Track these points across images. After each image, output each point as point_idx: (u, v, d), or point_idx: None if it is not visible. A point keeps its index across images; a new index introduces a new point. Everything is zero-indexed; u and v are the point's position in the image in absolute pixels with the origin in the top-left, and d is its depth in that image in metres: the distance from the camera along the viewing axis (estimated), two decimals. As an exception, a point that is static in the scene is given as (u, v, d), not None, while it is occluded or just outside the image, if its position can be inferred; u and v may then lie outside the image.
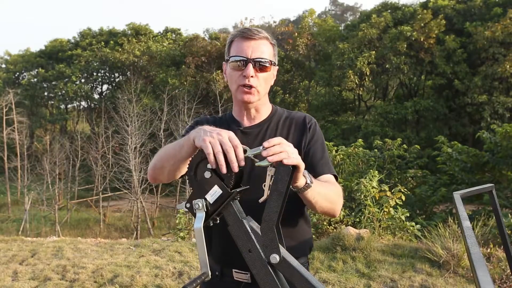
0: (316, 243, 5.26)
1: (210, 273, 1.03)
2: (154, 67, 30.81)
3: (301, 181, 1.15)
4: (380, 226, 5.80)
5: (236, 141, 1.06)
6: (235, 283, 1.44)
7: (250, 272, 1.39)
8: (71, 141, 26.44)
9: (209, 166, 1.05)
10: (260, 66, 1.40)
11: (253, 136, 1.48)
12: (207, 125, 1.37)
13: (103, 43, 34.42)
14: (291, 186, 1.10)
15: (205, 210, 1.03)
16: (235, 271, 1.44)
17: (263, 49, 1.41)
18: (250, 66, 1.38)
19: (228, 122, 1.53)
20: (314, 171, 1.39)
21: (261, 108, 1.52)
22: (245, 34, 1.40)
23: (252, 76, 1.39)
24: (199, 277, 1.01)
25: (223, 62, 1.51)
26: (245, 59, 1.39)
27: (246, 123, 1.52)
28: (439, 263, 4.46)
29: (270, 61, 1.43)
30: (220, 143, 1.04)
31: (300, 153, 1.33)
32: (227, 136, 1.06)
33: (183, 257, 5.11)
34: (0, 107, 26.64)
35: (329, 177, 1.44)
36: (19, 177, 23.12)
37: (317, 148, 1.48)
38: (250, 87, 1.41)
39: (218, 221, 1.05)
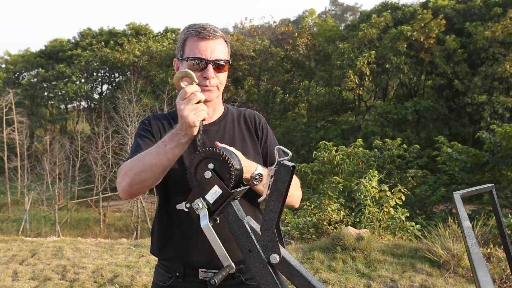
0: (316, 243, 5.27)
1: (233, 265, 1.04)
2: (154, 67, 30.82)
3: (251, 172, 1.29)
4: (380, 226, 5.80)
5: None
6: (201, 282, 1.43)
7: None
8: (71, 141, 26.42)
9: (210, 166, 1.05)
10: (219, 67, 1.42)
11: (213, 134, 1.49)
12: (159, 122, 1.50)
13: (103, 43, 34.40)
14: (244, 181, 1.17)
15: (206, 208, 1.03)
16: (201, 271, 1.43)
17: (220, 49, 1.43)
18: (211, 67, 1.39)
19: None
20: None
21: (217, 106, 1.55)
22: (202, 34, 1.40)
23: (213, 78, 1.40)
24: (224, 270, 1.03)
25: (174, 59, 1.50)
26: (205, 60, 1.39)
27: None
28: (439, 263, 4.46)
29: (228, 60, 1.46)
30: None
31: (258, 150, 1.53)
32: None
33: (183, 257, 5.10)
34: (0, 107, 26.63)
35: None
36: (19, 177, 23.10)
37: (272, 145, 1.57)
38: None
39: (218, 221, 1.05)
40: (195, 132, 1.19)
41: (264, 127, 1.58)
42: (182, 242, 1.44)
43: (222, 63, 1.42)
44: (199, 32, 1.40)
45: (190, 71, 1.21)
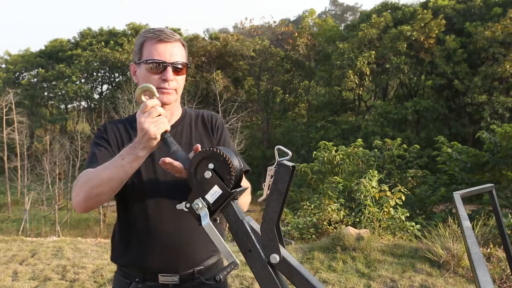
0: (316, 243, 5.27)
1: (238, 261, 1.05)
2: (154, 67, 30.77)
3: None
4: (380, 226, 5.80)
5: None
6: (161, 286, 1.45)
7: (179, 274, 1.43)
8: (71, 141, 26.41)
9: (210, 166, 1.05)
10: (177, 69, 1.42)
11: None
12: (115, 127, 1.49)
13: (103, 43, 34.41)
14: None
15: (206, 207, 1.03)
16: (161, 275, 1.44)
17: (178, 52, 1.43)
18: (170, 70, 1.40)
19: None
20: None
21: (175, 110, 1.54)
22: (161, 36, 1.40)
23: (171, 80, 1.40)
24: (229, 266, 1.04)
25: (131, 63, 1.50)
26: (164, 63, 1.39)
27: None
28: (439, 263, 4.45)
29: (186, 63, 1.46)
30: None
31: None
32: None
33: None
34: (0, 107, 26.63)
35: None
36: (19, 177, 23.12)
37: (226, 144, 1.58)
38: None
39: (218, 221, 1.06)
40: (154, 144, 1.19)
41: (220, 126, 1.59)
42: (140, 249, 1.45)
43: (180, 66, 1.43)
44: (157, 35, 1.41)
45: (151, 86, 1.22)
